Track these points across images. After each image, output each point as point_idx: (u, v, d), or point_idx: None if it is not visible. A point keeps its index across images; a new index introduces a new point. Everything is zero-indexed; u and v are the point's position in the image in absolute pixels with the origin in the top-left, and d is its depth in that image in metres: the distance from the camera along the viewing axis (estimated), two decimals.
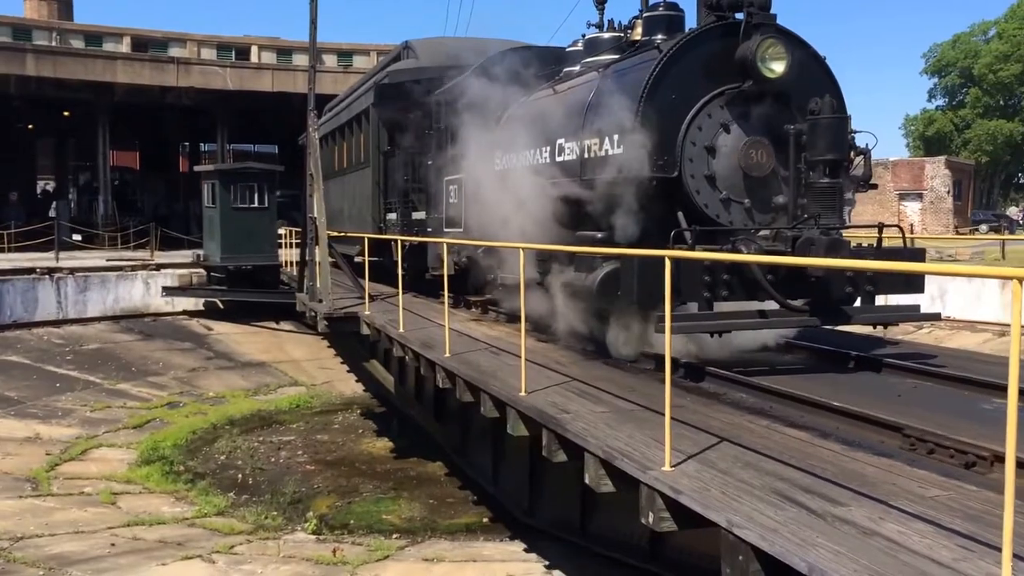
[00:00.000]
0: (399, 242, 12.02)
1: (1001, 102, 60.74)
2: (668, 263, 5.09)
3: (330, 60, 40.69)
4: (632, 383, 7.12)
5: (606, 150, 7.88)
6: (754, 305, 7.15)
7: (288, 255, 22.34)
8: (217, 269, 22.44)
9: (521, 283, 7.20)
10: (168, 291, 22.16)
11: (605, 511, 8.54)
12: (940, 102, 66.35)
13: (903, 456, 4.96)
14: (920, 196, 44.01)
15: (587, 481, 5.40)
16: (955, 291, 17.11)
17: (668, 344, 5.13)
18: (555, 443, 5.98)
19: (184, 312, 22.34)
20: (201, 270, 23.09)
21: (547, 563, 9.05)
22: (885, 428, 5.34)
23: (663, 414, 5.80)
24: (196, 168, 24.51)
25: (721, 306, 7.06)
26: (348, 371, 20.23)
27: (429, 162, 13.11)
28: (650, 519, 4.67)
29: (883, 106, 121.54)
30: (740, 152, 7.39)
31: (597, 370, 7.78)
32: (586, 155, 8.29)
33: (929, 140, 62.49)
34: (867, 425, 5.46)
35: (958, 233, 37.28)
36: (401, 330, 10.41)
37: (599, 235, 7.93)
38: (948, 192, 44.47)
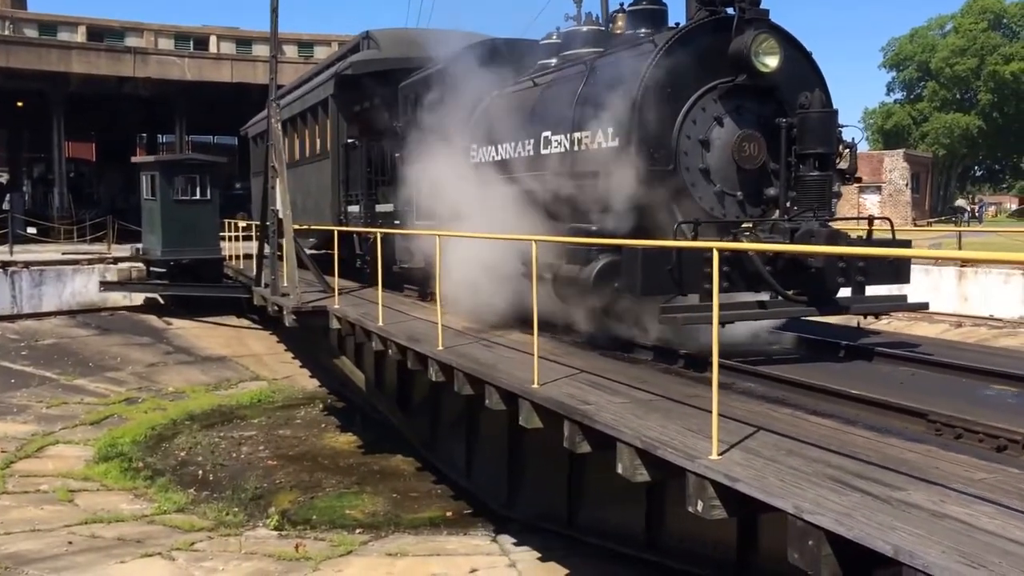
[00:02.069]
0: (378, 235, 11.80)
1: (958, 96, 61.66)
2: (716, 255, 5.10)
3: (291, 50, 40.24)
4: (638, 374, 7.16)
5: (599, 143, 7.89)
6: (737, 297, 7.22)
7: (232, 248, 21.93)
8: (157, 263, 21.98)
9: (533, 278, 7.12)
10: (106, 286, 21.47)
11: (594, 501, 8.59)
12: (898, 96, 67.34)
13: (935, 441, 5.04)
14: (879, 189, 44.59)
15: (620, 471, 5.41)
16: (913, 282, 17.29)
17: (715, 336, 5.11)
18: (579, 434, 5.96)
19: (142, 306, 21.97)
20: (140, 264, 22.50)
21: (517, 554, 9.05)
22: (907, 414, 5.43)
23: (684, 404, 5.98)
24: (134, 160, 23.87)
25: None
26: (301, 366, 20.01)
27: (397, 154, 12.97)
28: (699, 507, 4.71)
29: (842, 99, 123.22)
30: (734, 145, 7.50)
31: (597, 361, 7.76)
32: (576, 148, 8.27)
33: (888, 133, 63.35)
34: (888, 412, 5.54)
35: (915, 224, 37.81)
36: (380, 323, 10.30)
37: (594, 228, 7.95)
38: (906, 185, 45.10)
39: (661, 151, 7.41)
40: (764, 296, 7.19)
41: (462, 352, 8.39)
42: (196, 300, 21.75)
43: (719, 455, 4.74)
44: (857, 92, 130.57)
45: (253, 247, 20.08)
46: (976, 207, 54.29)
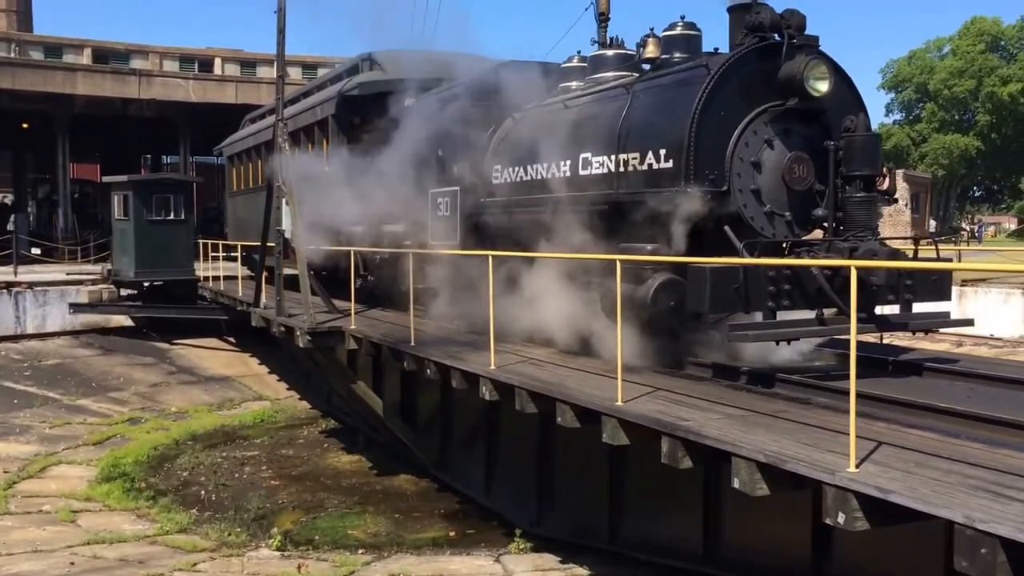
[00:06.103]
0: (410, 255, 11.58)
1: (956, 117, 62.01)
2: (854, 272, 5.18)
3: (295, 72, 40.45)
4: (708, 390, 7.13)
5: (649, 164, 8.03)
6: (771, 314, 7.27)
7: (208, 269, 21.35)
8: (130, 285, 21.77)
9: (617, 295, 7.11)
10: (76, 308, 21.06)
11: (640, 515, 8.56)
12: (897, 117, 67.74)
13: None
14: None
15: (737, 486, 5.40)
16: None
17: (853, 346, 5.17)
18: (680, 450, 5.93)
19: (145, 326, 22.00)
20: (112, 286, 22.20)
21: (520, 575, 9.06)
22: (1006, 427, 5.42)
23: (779, 418, 6.03)
24: (105, 179, 23.57)
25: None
26: (288, 388, 19.92)
27: (407, 174, 12.99)
28: (840, 520, 4.71)
29: None
30: (784, 167, 7.69)
31: (659, 378, 7.65)
32: (622, 169, 8.38)
33: (887, 154, 63.51)
34: (982, 423, 5.54)
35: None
36: (413, 343, 10.12)
37: (649, 247, 8.00)
38: (906, 205, 45.19)
39: (716, 173, 7.58)
40: (810, 314, 7.30)
41: (517, 371, 8.25)
42: (170, 322, 21.47)
43: (856, 467, 4.76)
44: None
45: (235, 269, 20.03)
46: (975, 227, 54.36)
